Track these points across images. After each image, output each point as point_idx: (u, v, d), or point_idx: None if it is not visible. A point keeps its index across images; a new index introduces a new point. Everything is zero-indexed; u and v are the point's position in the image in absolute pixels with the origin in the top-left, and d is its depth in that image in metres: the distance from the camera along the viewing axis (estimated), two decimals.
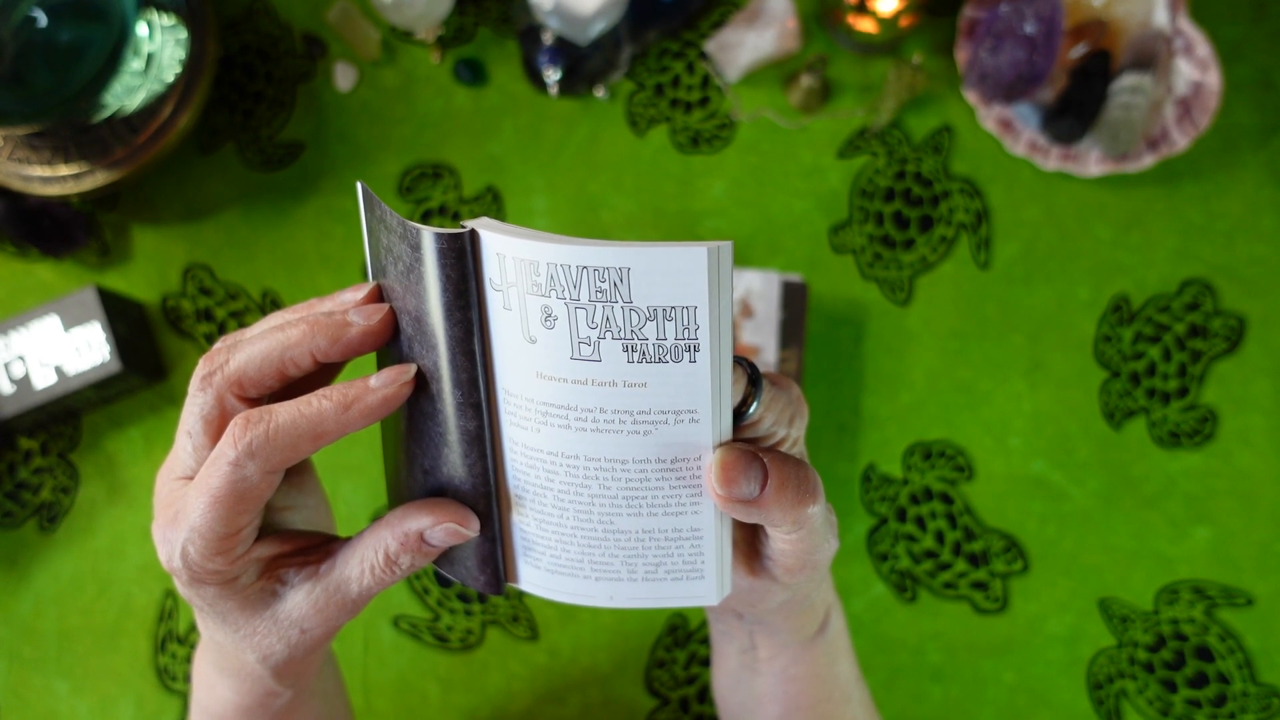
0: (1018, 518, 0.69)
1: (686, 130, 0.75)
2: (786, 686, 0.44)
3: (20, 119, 0.65)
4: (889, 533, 0.69)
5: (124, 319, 0.69)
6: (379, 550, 0.33)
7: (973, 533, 0.69)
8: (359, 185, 0.33)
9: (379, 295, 0.33)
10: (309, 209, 0.74)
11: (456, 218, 0.74)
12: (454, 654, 0.68)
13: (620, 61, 0.74)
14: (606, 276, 0.28)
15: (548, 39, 0.73)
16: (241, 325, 0.73)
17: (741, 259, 0.72)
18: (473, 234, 0.30)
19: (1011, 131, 0.72)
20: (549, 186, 0.74)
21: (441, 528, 0.32)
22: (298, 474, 0.36)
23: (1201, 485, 0.69)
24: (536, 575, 0.34)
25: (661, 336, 0.29)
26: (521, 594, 0.68)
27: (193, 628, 0.69)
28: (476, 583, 0.34)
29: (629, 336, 0.29)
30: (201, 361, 0.33)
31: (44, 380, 0.66)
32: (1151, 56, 0.69)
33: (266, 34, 0.77)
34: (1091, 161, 0.72)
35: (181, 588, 0.34)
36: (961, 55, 0.73)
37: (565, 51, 0.73)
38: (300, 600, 0.33)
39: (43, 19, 0.68)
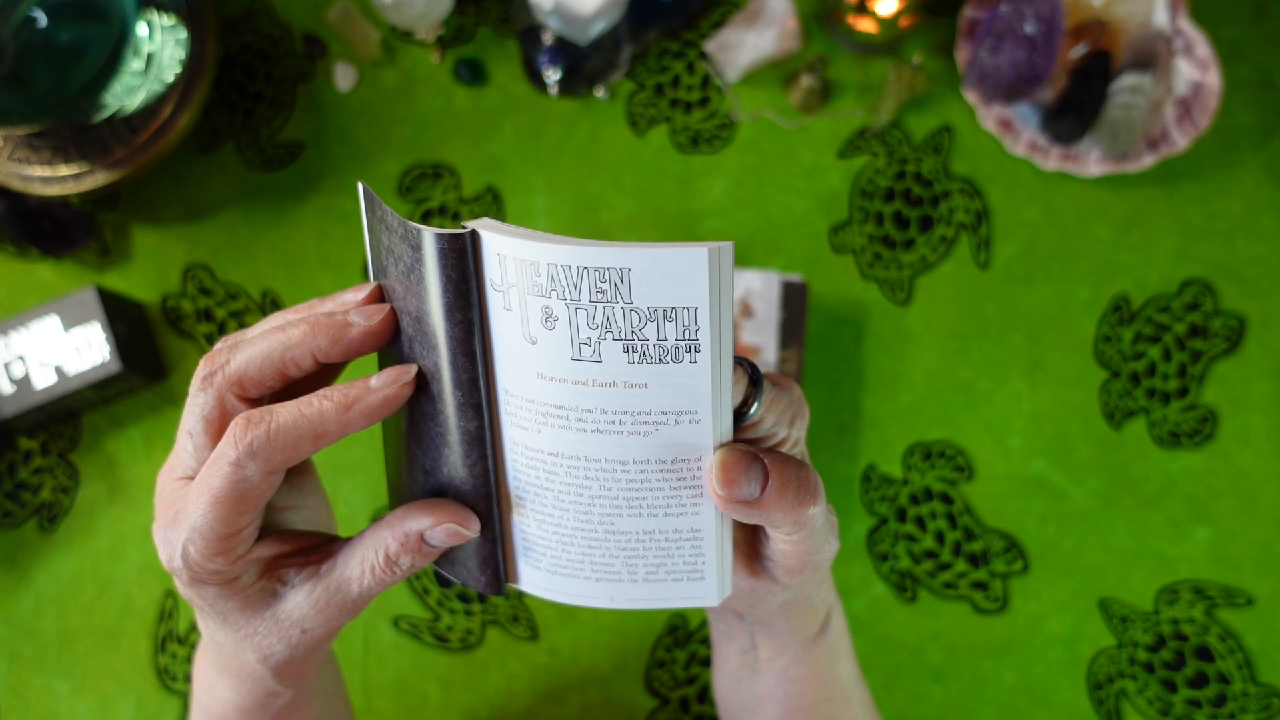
0: (1018, 518, 0.69)
1: (686, 130, 0.75)
2: (787, 687, 0.44)
3: (20, 119, 0.65)
4: (889, 533, 0.69)
5: (124, 319, 0.69)
6: (379, 550, 0.32)
7: (973, 533, 0.69)
8: (360, 186, 0.33)
9: (380, 295, 0.33)
10: (309, 209, 0.74)
11: (456, 218, 0.74)
12: (454, 654, 0.68)
13: (620, 61, 0.74)
14: (607, 277, 0.28)
15: (548, 39, 0.73)
16: (242, 325, 0.73)
17: (741, 259, 0.72)
18: (473, 234, 0.30)
19: (1011, 131, 0.72)
20: (549, 186, 0.74)
21: (442, 528, 0.32)
22: (298, 474, 0.36)
23: (1201, 485, 0.69)
24: (537, 576, 0.34)
25: (662, 337, 0.29)
26: (522, 594, 0.68)
27: (193, 628, 0.69)
28: (477, 583, 0.34)
29: (629, 337, 0.29)
30: (202, 362, 0.33)
31: (44, 380, 0.66)
32: (1151, 56, 0.69)
33: (266, 34, 0.77)
34: (1091, 161, 0.72)
35: (182, 588, 0.34)
36: (961, 55, 0.73)
37: (565, 51, 0.73)
38: (301, 600, 0.33)
39: (43, 19, 0.68)
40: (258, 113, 0.76)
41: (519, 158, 0.74)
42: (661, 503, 0.32)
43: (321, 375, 0.35)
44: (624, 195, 0.74)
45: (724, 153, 0.74)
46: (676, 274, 0.28)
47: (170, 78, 0.70)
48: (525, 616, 0.68)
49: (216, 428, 0.32)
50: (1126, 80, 0.69)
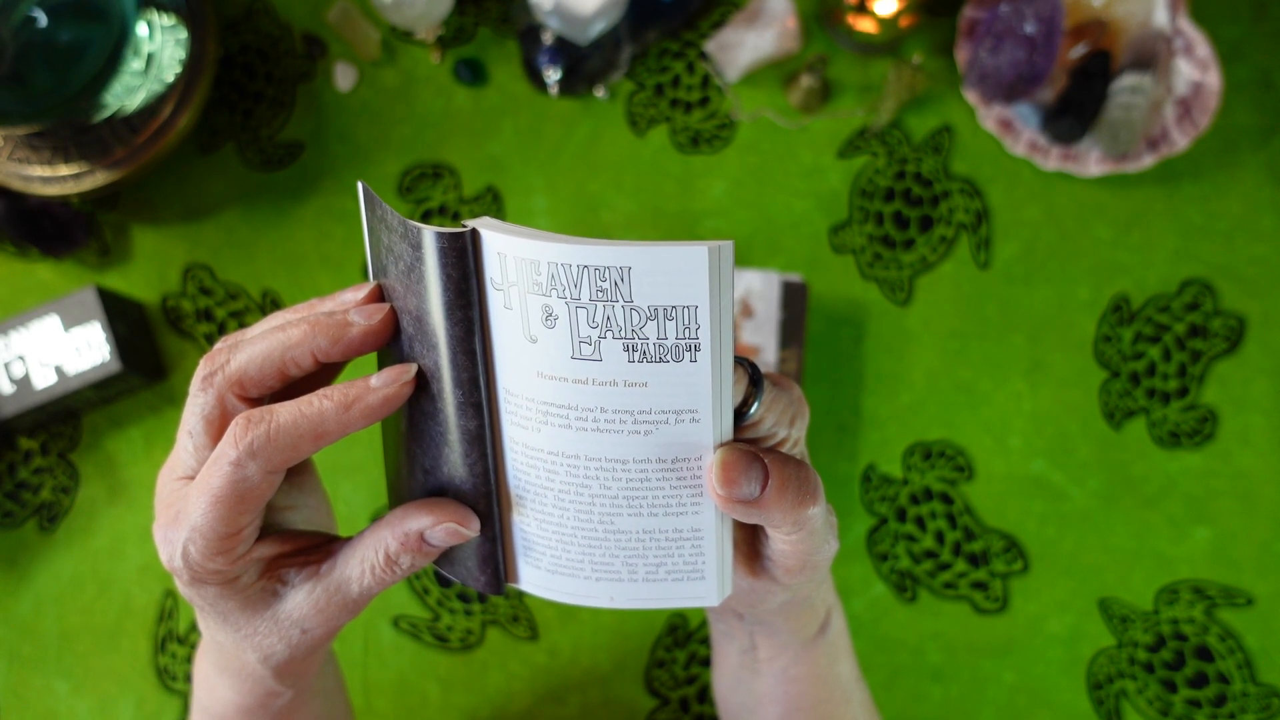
0: (1018, 518, 0.69)
1: (686, 130, 0.75)
2: (787, 687, 0.44)
3: (20, 119, 0.65)
4: (889, 533, 0.69)
5: (124, 319, 0.69)
6: (379, 550, 0.32)
7: (973, 533, 0.69)
8: (360, 185, 0.33)
9: (380, 295, 0.33)
10: (309, 209, 0.74)
11: (457, 218, 0.74)
12: (454, 654, 0.68)
13: (620, 61, 0.74)
14: (607, 276, 0.28)
15: (548, 39, 0.73)
16: (242, 325, 0.73)
17: (741, 259, 0.72)
18: (474, 233, 0.30)
19: (1011, 131, 0.72)
20: (549, 186, 0.74)
21: (442, 527, 0.32)
22: (298, 474, 0.36)
23: (1201, 485, 0.69)
24: (537, 575, 0.34)
25: (662, 336, 0.29)
26: (522, 594, 0.68)
27: (193, 628, 0.69)
28: (477, 583, 0.34)
29: (630, 336, 0.29)
30: (202, 362, 0.33)
31: (44, 380, 0.66)
32: (1151, 56, 0.69)
33: (266, 34, 0.77)
34: (1091, 161, 0.72)
35: (182, 587, 0.34)
36: (961, 55, 0.73)
37: (565, 51, 0.73)
38: (301, 600, 0.33)
39: (43, 19, 0.68)
40: (258, 113, 0.76)
41: (519, 158, 0.74)
42: (661, 502, 0.32)
43: (321, 375, 0.35)
44: (624, 195, 0.74)
45: (724, 153, 0.74)
46: (677, 273, 0.28)
47: (170, 78, 0.70)
48: (525, 616, 0.68)
49: (217, 428, 0.32)
50: (1126, 80, 0.69)
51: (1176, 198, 0.73)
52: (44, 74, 0.67)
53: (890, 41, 0.74)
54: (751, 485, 0.30)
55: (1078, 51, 0.71)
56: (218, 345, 0.33)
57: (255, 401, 0.33)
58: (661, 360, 0.29)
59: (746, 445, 0.31)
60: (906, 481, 0.70)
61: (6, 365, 0.67)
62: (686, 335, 0.29)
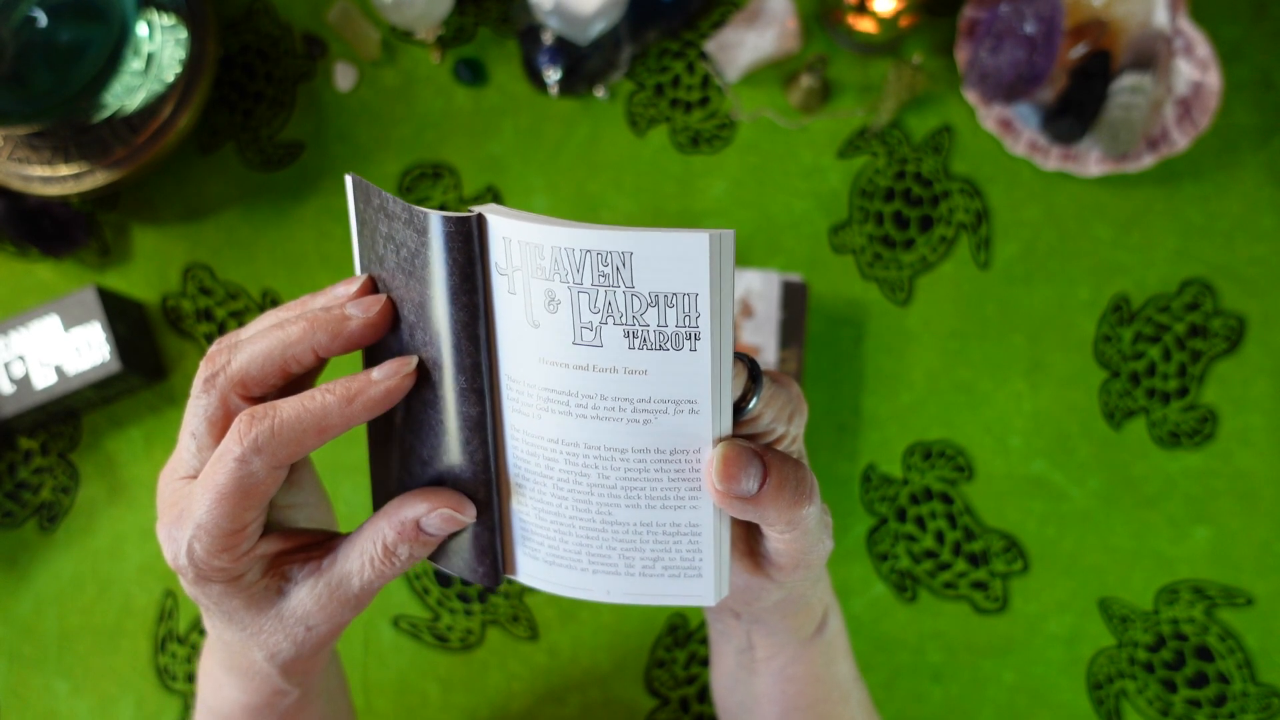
0: (1018, 518, 0.69)
1: (686, 130, 0.75)
2: (784, 687, 0.44)
3: (20, 119, 0.66)
4: (889, 533, 0.69)
5: (124, 319, 0.69)
6: (377, 542, 0.33)
7: (973, 533, 0.69)
8: (349, 177, 0.33)
9: (373, 286, 0.33)
10: (309, 209, 0.74)
11: None
12: (454, 654, 0.68)
13: (620, 61, 0.74)
14: (609, 261, 0.29)
15: (548, 39, 0.73)
16: (242, 325, 0.73)
17: (741, 259, 0.72)
18: (479, 218, 0.30)
19: (1011, 131, 0.72)
20: (549, 186, 0.74)
21: (437, 513, 0.32)
22: (297, 471, 0.36)
23: (1201, 485, 0.69)
24: (534, 567, 0.34)
25: (663, 323, 0.29)
26: (522, 594, 0.68)
27: (193, 628, 0.69)
28: (474, 574, 0.34)
29: (630, 322, 0.29)
30: (203, 364, 0.33)
31: (44, 380, 0.66)
32: (1151, 56, 0.69)
33: (266, 34, 0.77)
34: (1091, 161, 0.72)
35: (187, 586, 0.34)
36: (961, 55, 0.73)
37: (565, 51, 0.73)
38: (304, 596, 0.33)
39: (43, 19, 0.68)
40: (258, 113, 0.76)
41: (519, 158, 0.74)
42: (659, 494, 0.32)
43: (319, 371, 0.35)
44: (624, 195, 0.74)
45: (724, 153, 0.74)
46: (678, 259, 0.28)
47: (170, 78, 0.70)
48: (525, 616, 0.68)
49: (220, 428, 0.32)
50: (1126, 80, 0.69)
51: (1176, 198, 0.73)
52: (44, 74, 0.67)
53: (890, 41, 0.74)
54: (750, 482, 0.31)
55: (1078, 51, 0.71)
56: (215, 347, 0.33)
57: (258, 401, 0.33)
58: (662, 348, 0.30)
59: (746, 442, 0.31)
60: (906, 481, 0.70)
61: (6, 365, 0.67)
62: (687, 323, 0.29)
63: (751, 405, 0.32)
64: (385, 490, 0.36)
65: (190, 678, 0.68)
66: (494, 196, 0.74)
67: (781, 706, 0.45)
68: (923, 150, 0.74)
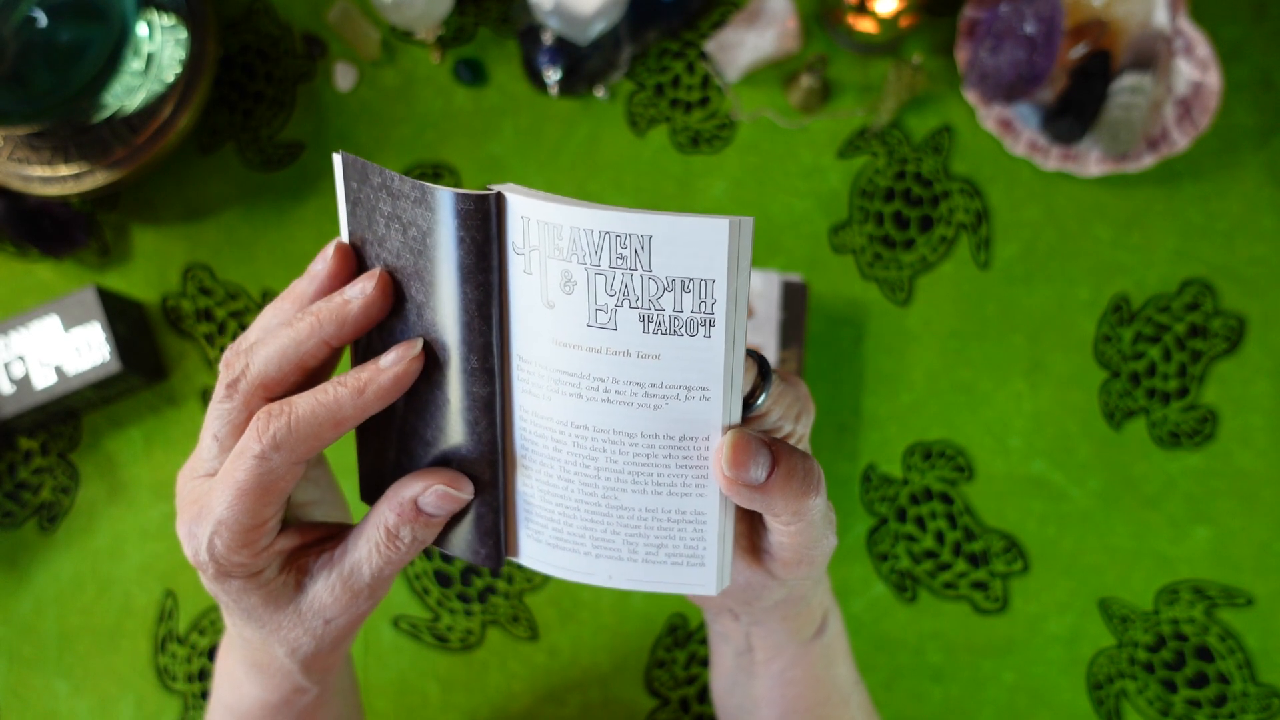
0: (1018, 518, 0.69)
1: (686, 130, 0.75)
2: (784, 689, 0.44)
3: (20, 119, 0.66)
4: (889, 533, 0.69)
5: (124, 319, 0.69)
6: (380, 527, 0.33)
7: (973, 533, 0.69)
8: (339, 155, 0.32)
9: (348, 254, 0.33)
10: (309, 209, 0.74)
11: None
12: (454, 654, 0.68)
13: (620, 61, 0.74)
14: (628, 243, 0.29)
15: (548, 39, 0.73)
16: (242, 325, 0.73)
17: None
18: (499, 196, 0.30)
19: (1011, 131, 0.72)
20: (549, 186, 0.74)
21: (432, 490, 0.32)
22: (313, 468, 0.37)
23: (1201, 485, 0.69)
24: (537, 549, 0.34)
25: (678, 308, 0.29)
26: (522, 594, 0.68)
27: (193, 628, 0.69)
28: (477, 556, 0.34)
29: (646, 306, 0.29)
30: (222, 370, 0.33)
31: (44, 380, 0.66)
32: (1151, 56, 0.69)
33: (266, 34, 0.77)
34: (1091, 161, 0.72)
35: (207, 582, 0.34)
36: (961, 55, 0.73)
37: (565, 51, 0.73)
38: (321, 590, 0.34)
39: (43, 19, 0.68)
40: (258, 113, 0.76)
41: (519, 158, 0.74)
42: (666, 480, 0.32)
43: (335, 362, 0.35)
44: (624, 195, 0.74)
45: (724, 153, 0.74)
46: (697, 244, 0.28)
47: (170, 78, 0.70)
48: (525, 616, 0.68)
49: (243, 430, 0.33)
50: (1126, 80, 0.69)
51: (1176, 198, 0.73)
52: (44, 74, 0.67)
53: (890, 41, 0.74)
54: (759, 470, 0.31)
55: (1078, 51, 0.71)
56: (230, 353, 0.33)
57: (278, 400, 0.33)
58: (676, 333, 0.30)
59: (755, 432, 0.31)
60: (906, 481, 0.70)
61: (6, 365, 0.67)
62: (702, 309, 0.29)
63: (760, 401, 0.32)
64: (379, 476, 0.35)
65: (190, 678, 0.68)
66: None
67: (781, 709, 0.45)
68: (923, 150, 0.74)
